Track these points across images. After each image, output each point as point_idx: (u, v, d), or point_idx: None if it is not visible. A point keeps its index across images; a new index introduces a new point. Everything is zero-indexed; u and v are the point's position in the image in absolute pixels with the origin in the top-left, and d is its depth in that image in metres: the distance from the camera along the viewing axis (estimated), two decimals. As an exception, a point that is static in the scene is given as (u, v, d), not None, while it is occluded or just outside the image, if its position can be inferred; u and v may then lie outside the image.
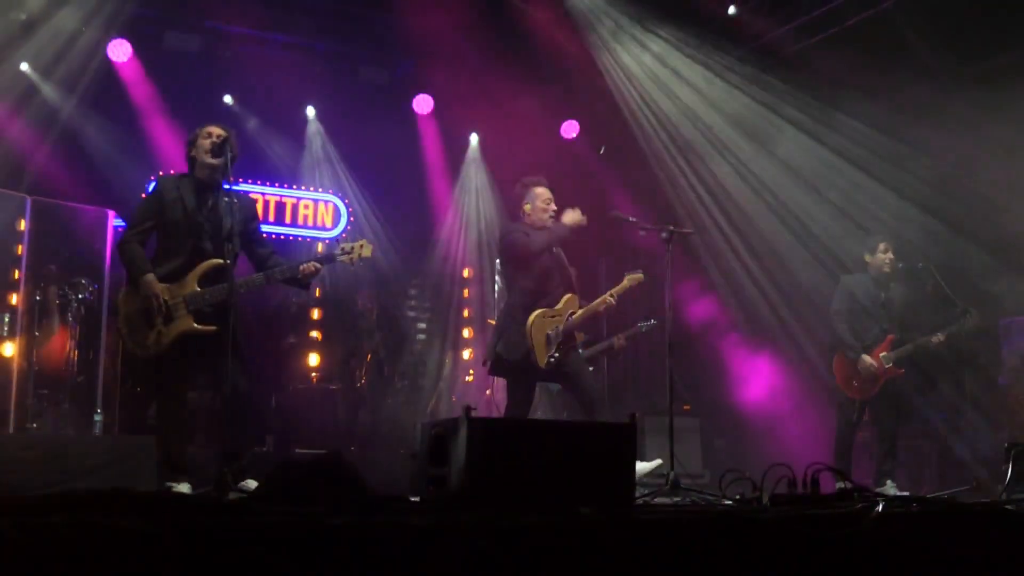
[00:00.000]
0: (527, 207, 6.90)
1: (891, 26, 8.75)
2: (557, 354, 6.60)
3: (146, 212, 5.75)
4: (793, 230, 9.94)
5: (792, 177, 9.84)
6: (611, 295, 6.80)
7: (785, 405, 9.62)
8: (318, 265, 5.86)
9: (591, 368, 7.77)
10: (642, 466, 6.52)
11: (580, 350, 7.22)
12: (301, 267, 5.83)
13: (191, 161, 5.81)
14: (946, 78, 8.60)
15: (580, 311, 6.75)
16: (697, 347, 10.43)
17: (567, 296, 6.76)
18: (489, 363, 6.88)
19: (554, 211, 6.87)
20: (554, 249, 6.81)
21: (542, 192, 6.91)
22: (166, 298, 5.49)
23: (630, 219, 7.04)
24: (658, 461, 6.19)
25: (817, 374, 8.78)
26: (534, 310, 6.63)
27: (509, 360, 6.64)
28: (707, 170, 10.50)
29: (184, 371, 5.70)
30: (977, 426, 8.43)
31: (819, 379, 8.62)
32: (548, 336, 6.61)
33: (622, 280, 6.95)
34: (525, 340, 6.57)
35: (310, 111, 11.61)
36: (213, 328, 5.36)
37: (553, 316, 6.67)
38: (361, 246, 6.03)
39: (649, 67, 10.34)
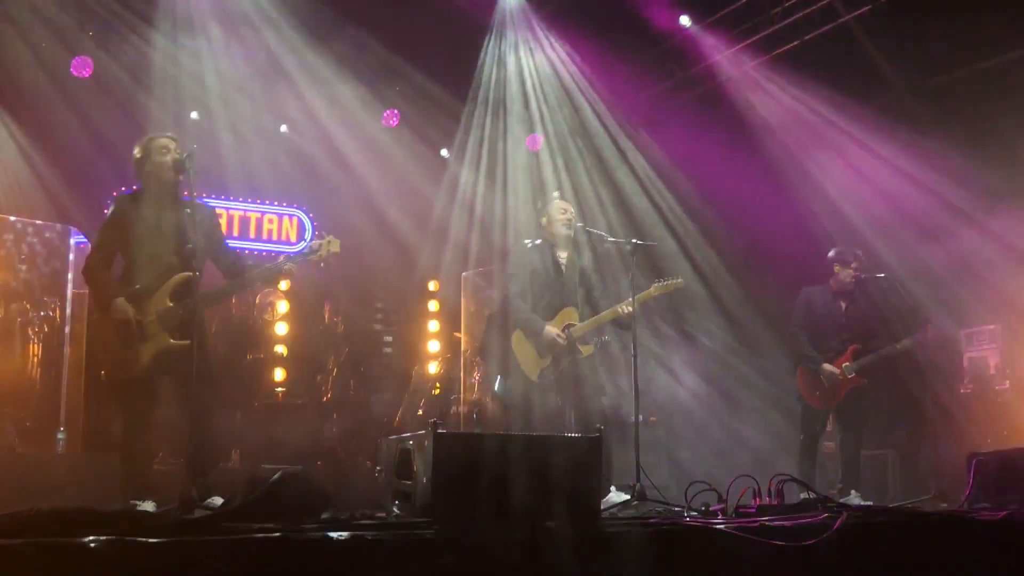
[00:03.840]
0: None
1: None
2: (551, 366, 6.60)
3: (108, 234, 5.68)
4: (754, 239, 10.04)
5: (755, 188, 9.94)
6: (628, 304, 6.56)
7: (750, 416, 9.67)
8: (291, 267, 5.77)
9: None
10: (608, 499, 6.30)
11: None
12: (277, 272, 5.77)
13: (147, 176, 5.71)
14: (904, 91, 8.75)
15: (581, 325, 6.65)
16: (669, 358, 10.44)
17: (564, 310, 6.70)
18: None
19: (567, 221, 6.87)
20: (560, 264, 6.78)
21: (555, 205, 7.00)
22: (138, 318, 5.43)
23: (595, 231, 7.07)
24: (622, 496, 5.98)
25: (782, 385, 8.82)
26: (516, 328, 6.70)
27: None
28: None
29: (154, 389, 5.64)
30: (939, 435, 8.51)
31: (784, 390, 8.66)
32: (538, 349, 6.60)
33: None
34: (511, 356, 6.64)
35: (283, 127, 11.55)
36: (187, 342, 5.29)
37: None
38: (328, 242, 5.83)
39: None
